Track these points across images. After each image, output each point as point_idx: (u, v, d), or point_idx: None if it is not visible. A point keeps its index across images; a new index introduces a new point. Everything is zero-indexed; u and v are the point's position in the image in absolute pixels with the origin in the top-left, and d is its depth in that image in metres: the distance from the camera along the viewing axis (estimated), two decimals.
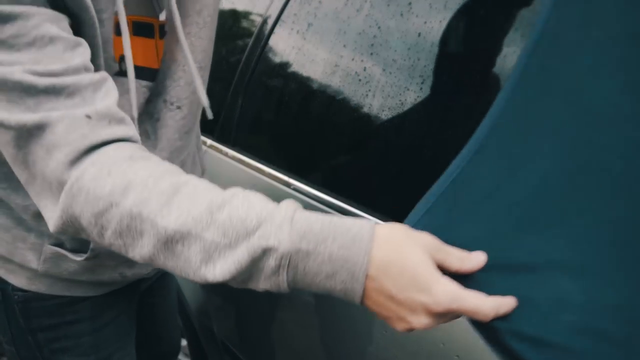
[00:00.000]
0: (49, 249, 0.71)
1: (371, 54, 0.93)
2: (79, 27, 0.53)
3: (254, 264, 0.45)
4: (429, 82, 0.83)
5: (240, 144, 1.23)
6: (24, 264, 0.72)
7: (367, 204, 0.92)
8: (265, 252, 0.45)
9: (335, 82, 1.01)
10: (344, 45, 0.99)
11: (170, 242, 0.46)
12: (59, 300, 0.77)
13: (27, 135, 0.47)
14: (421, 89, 0.84)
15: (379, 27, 0.92)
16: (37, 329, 0.78)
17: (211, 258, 0.45)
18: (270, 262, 0.45)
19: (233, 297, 1.24)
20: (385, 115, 0.90)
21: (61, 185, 0.48)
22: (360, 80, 0.95)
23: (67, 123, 0.47)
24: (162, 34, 0.68)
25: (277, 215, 0.45)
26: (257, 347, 1.17)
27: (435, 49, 0.83)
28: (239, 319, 1.22)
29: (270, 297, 1.08)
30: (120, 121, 0.52)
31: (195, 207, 0.46)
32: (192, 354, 1.50)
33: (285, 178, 1.08)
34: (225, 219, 0.45)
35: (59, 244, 0.71)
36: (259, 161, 1.17)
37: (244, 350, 1.22)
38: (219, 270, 0.45)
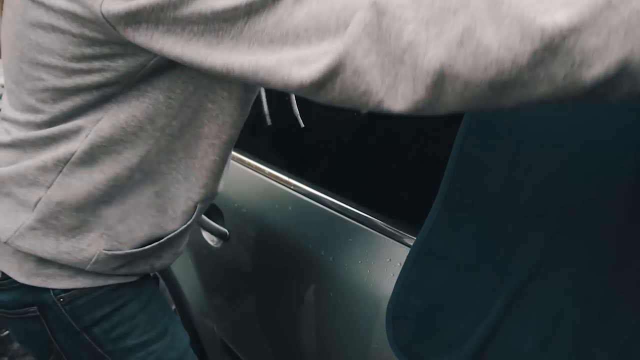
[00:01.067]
0: (103, 254, 0.73)
1: None
2: None
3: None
4: None
5: (241, 145, 1.23)
6: (70, 264, 0.73)
7: (368, 204, 0.92)
8: None
9: None
10: None
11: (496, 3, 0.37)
12: (103, 289, 0.78)
13: None
14: None
15: None
16: (91, 325, 0.78)
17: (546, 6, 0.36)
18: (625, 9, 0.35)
19: (233, 297, 1.24)
20: (385, 115, 0.90)
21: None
22: None
23: None
24: None
25: None
26: (258, 346, 1.17)
27: None
28: (239, 319, 1.22)
29: (271, 297, 1.09)
30: None
31: None
32: None
33: (285, 178, 1.09)
34: None
35: (113, 248, 0.74)
36: (259, 161, 1.17)
37: (244, 350, 1.23)
38: (566, 16, 0.35)
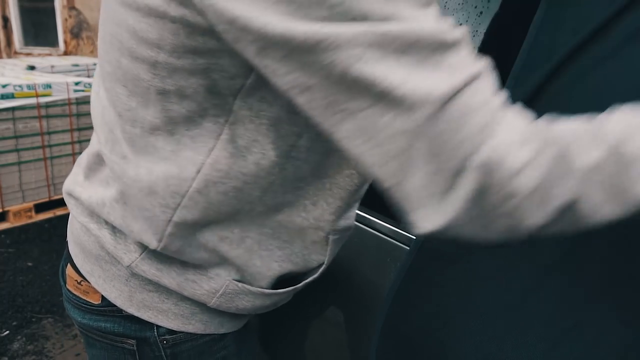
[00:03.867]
0: (233, 285, 0.63)
1: None
2: None
3: None
4: None
5: None
6: (193, 297, 0.63)
7: (368, 204, 0.92)
8: None
9: None
10: None
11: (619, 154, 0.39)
12: (209, 337, 0.68)
13: (440, 110, 0.39)
14: None
15: None
16: None
17: None
18: None
19: None
20: None
21: (475, 148, 0.39)
22: None
23: (475, 85, 0.40)
24: None
25: None
26: (258, 347, 1.17)
27: None
28: None
29: None
30: None
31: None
32: None
33: None
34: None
35: (244, 281, 0.64)
36: None
37: None
38: None
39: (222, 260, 0.62)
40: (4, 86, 2.82)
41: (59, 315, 2.28)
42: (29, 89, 2.93)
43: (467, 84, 0.40)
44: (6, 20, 5.91)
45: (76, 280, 0.67)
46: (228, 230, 0.59)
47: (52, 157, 3.15)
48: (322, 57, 0.38)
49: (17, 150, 2.97)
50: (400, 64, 0.38)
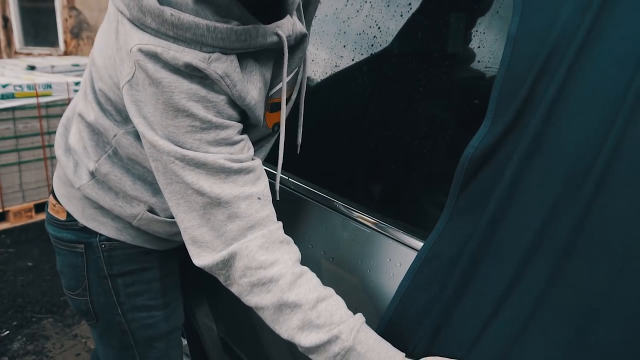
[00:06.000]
0: (146, 214, 0.90)
1: (371, 54, 0.93)
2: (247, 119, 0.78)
3: (327, 344, 0.66)
4: (428, 82, 0.83)
5: None
6: (121, 216, 0.91)
7: (368, 204, 0.92)
8: (337, 339, 0.66)
9: (334, 82, 1.01)
10: (344, 46, 0.99)
11: (284, 306, 0.68)
12: (137, 249, 0.97)
13: (216, 204, 0.69)
14: (420, 89, 0.84)
15: (379, 27, 0.92)
16: (117, 275, 0.97)
17: (304, 328, 0.67)
18: (335, 348, 0.66)
19: (234, 296, 1.24)
20: (383, 114, 0.90)
21: (233, 240, 0.70)
22: (358, 79, 0.95)
23: (248, 202, 0.70)
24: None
25: (352, 322, 0.67)
26: (258, 346, 1.17)
27: (435, 49, 0.83)
28: (240, 318, 1.22)
29: None
30: (270, 201, 0.74)
31: (310, 292, 0.68)
32: (192, 353, 1.50)
33: (285, 177, 1.08)
34: (322, 308, 0.68)
35: (154, 212, 0.91)
36: None
37: (245, 349, 1.23)
38: (305, 339, 0.67)
39: (139, 194, 0.88)
40: (4, 86, 2.83)
41: (59, 315, 2.28)
42: (29, 89, 2.93)
43: (238, 199, 0.69)
44: (6, 20, 5.90)
45: (53, 204, 0.99)
46: (144, 175, 0.87)
47: (52, 157, 3.15)
48: (157, 153, 0.70)
49: (17, 150, 2.97)
50: (195, 173, 0.68)
